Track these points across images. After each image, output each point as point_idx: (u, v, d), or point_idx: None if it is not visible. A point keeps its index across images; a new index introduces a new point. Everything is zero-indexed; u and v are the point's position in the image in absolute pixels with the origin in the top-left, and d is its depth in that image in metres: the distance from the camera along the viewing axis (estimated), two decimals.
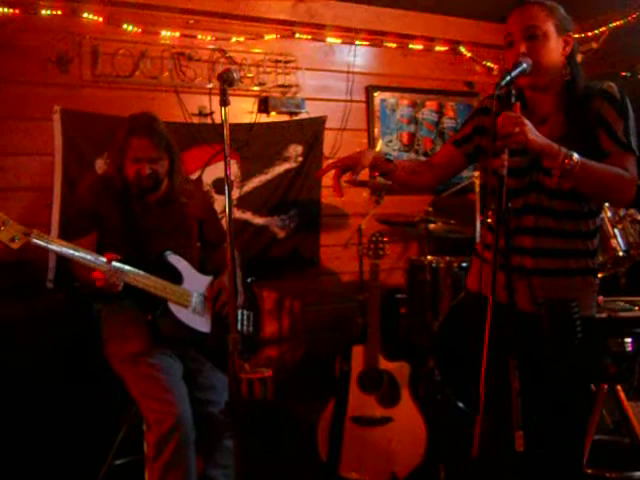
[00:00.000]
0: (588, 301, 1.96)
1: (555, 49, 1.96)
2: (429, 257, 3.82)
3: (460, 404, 3.39)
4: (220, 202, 4.02)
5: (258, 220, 4.12)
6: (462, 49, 4.70)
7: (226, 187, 1.99)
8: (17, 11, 3.42)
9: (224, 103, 1.98)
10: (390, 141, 4.51)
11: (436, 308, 3.73)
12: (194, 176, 3.88)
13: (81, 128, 3.54)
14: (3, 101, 3.43)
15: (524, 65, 1.90)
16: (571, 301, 1.84)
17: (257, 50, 4.03)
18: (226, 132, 1.98)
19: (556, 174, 1.79)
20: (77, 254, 2.32)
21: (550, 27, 1.95)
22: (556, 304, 1.85)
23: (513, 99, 1.85)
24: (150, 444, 2.45)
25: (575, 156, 1.78)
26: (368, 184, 4.13)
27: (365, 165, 2.09)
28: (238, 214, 4.05)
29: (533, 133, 1.77)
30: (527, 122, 1.77)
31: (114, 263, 2.35)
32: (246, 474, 2.64)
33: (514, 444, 1.76)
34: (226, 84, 1.98)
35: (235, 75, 2.01)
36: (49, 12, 3.47)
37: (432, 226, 3.94)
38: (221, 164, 3.98)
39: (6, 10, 3.39)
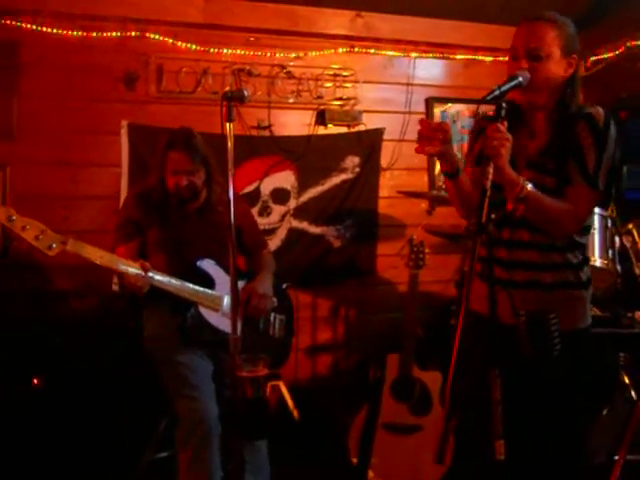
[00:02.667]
0: (573, 314, 1.94)
1: (557, 71, 1.98)
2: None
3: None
4: (278, 211, 4.19)
5: (314, 230, 4.24)
6: None
7: (231, 203, 2.09)
8: (91, 33, 3.73)
9: (229, 119, 2.10)
10: None
11: None
12: (252, 187, 4.07)
13: (146, 141, 3.80)
14: (77, 117, 3.74)
15: (519, 79, 1.93)
16: (549, 313, 1.84)
17: (316, 65, 4.17)
18: (230, 145, 2.10)
19: (510, 202, 1.84)
20: (108, 261, 2.52)
21: (556, 49, 1.97)
22: (534, 317, 1.86)
23: (503, 112, 1.88)
24: (179, 438, 2.63)
25: (528, 187, 1.82)
26: (420, 195, 4.18)
27: (448, 141, 2.06)
28: (295, 224, 4.20)
29: (506, 158, 1.81)
30: (507, 145, 1.80)
31: (141, 270, 2.53)
32: (276, 474, 2.80)
33: (494, 453, 1.79)
34: (232, 102, 2.09)
35: (245, 93, 2.13)
36: (119, 34, 3.75)
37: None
38: (279, 175, 4.16)
39: (80, 33, 3.70)
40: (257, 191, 4.09)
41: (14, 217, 2.31)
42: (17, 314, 3.50)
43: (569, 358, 1.88)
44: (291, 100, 4.13)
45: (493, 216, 1.84)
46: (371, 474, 3.00)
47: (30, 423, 3.05)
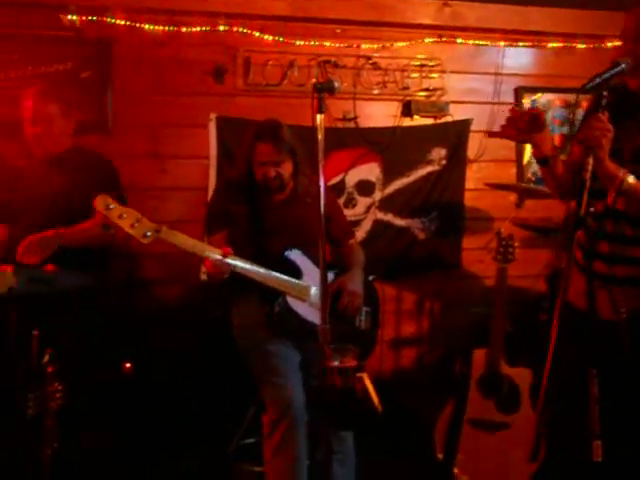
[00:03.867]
0: None
1: None
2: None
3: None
4: (363, 203, 4.18)
5: (399, 222, 4.21)
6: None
7: (321, 194, 2.08)
8: (181, 28, 3.81)
9: (320, 111, 2.09)
10: None
11: None
12: (337, 179, 4.06)
13: (233, 133, 3.85)
14: (167, 110, 3.83)
15: (622, 66, 1.85)
16: None
17: (402, 55, 4.12)
18: (320, 137, 2.09)
19: (611, 195, 1.75)
20: (196, 249, 2.58)
21: None
22: (636, 313, 1.77)
23: (604, 102, 1.80)
24: (265, 424, 2.67)
25: (630, 180, 1.74)
26: (508, 187, 4.08)
27: (540, 127, 2.02)
28: (380, 215, 4.17)
29: (606, 149, 1.74)
30: (608, 136, 1.73)
31: (228, 260, 2.56)
32: (361, 465, 2.80)
33: (591, 454, 1.73)
34: (322, 93, 2.09)
35: (335, 84, 2.12)
36: (207, 28, 3.81)
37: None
38: (364, 167, 4.15)
39: (170, 28, 3.78)
40: (342, 183, 4.09)
41: (112, 205, 2.38)
42: (108, 302, 3.61)
43: None
44: (377, 91, 4.10)
45: (592, 209, 1.77)
46: (457, 470, 2.96)
47: (120, 408, 3.16)
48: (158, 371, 3.44)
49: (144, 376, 3.19)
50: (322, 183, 2.10)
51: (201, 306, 3.73)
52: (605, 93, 1.81)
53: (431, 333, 4.29)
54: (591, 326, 1.74)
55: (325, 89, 2.10)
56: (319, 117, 2.10)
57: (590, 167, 1.74)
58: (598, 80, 1.79)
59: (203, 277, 3.86)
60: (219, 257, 2.55)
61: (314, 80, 3.98)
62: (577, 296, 1.77)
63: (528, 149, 4.34)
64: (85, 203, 2.54)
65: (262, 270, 2.68)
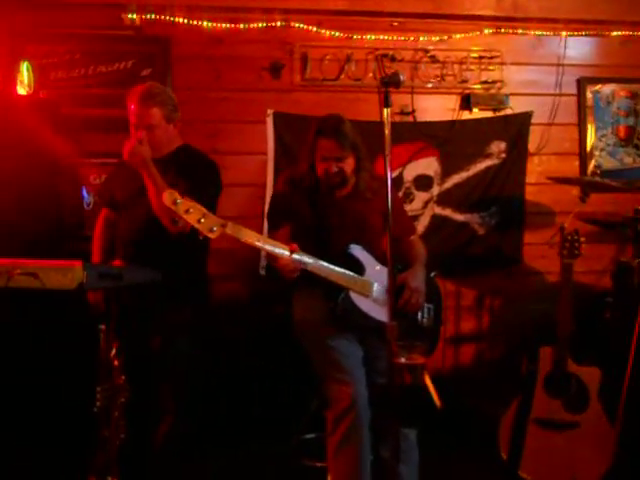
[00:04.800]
0: None
1: None
2: (638, 260, 3.56)
3: None
4: (420, 198, 4.13)
5: (458, 217, 4.15)
6: None
7: (388, 185, 2.06)
8: (238, 25, 3.82)
9: (387, 105, 2.07)
10: (604, 135, 4.26)
11: None
12: (395, 173, 4.02)
13: (290, 129, 3.86)
14: (225, 107, 3.86)
15: None
16: None
17: (460, 47, 4.06)
18: (387, 132, 2.07)
19: None
20: (262, 244, 2.57)
21: None
22: None
23: None
24: (329, 420, 2.66)
25: None
26: (571, 181, 3.97)
27: None
28: (438, 210, 4.12)
29: None
30: None
31: (295, 255, 2.56)
32: (424, 463, 2.77)
33: None
34: (389, 86, 2.06)
35: (401, 77, 2.09)
36: (264, 24, 3.82)
37: None
38: (422, 161, 4.10)
39: (228, 24, 3.80)
40: (400, 178, 4.05)
41: (179, 200, 2.39)
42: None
43: None
44: (435, 85, 4.05)
45: None
46: (525, 475, 2.89)
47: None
48: (223, 365, 3.46)
49: (210, 368, 3.22)
50: (389, 178, 2.07)
51: (262, 301, 3.75)
52: None
53: (491, 330, 4.22)
54: None
55: (391, 82, 2.07)
56: (386, 111, 2.07)
57: None
58: None
59: (262, 272, 3.88)
60: (286, 252, 2.54)
61: (371, 74, 3.96)
62: None
63: (590, 141, 4.24)
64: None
65: (326, 265, 2.66)
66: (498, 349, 4.22)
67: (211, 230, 2.43)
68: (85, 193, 3.68)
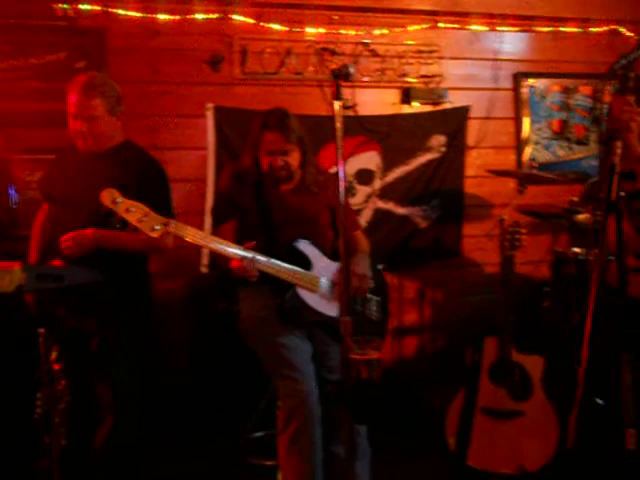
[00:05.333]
0: None
1: None
2: (575, 249, 3.66)
3: (599, 401, 3.24)
4: (362, 192, 4.13)
5: (400, 210, 4.17)
6: (622, 29, 4.42)
7: (340, 173, 2.04)
8: (177, 17, 3.73)
9: (338, 97, 2.05)
10: (539, 129, 4.37)
11: (581, 302, 3.57)
12: (336, 168, 4.00)
13: (231, 123, 3.80)
14: (165, 100, 3.77)
15: None
16: None
17: (400, 42, 4.08)
18: (338, 125, 2.05)
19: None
20: (213, 244, 2.52)
21: None
22: None
23: (631, 84, 1.77)
24: (280, 418, 2.63)
25: None
26: (509, 173, 4.05)
27: None
28: (380, 204, 4.14)
29: (636, 133, 1.71)
30: (637, 119, 1.70)
31: (249, 252, 2.51)
32: (372, 456, 2.77)
33: (624, 441, 1.71)
34: (340, 79, 2.04)
35: (351, 70, 2.08)
36: (203, 16, 3.74)
37: (580, 217, 3.76)
38: (364, 155, 4.10)
39: (167, 17, 3.71)
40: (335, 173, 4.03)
41: (119, 199, 2.31)
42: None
43: None
44: (375, 79, 4.06)
45: (623, 193, 1.74)
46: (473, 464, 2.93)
47: None
48: (166, 365, 3.39)
49: (153, 370, 3.14)
50: (342, 171, 2.05)
51: (204, 299, 3.68)
52: (632, 75, 1.78)
53: (433, 322, 4.26)
54: (624, 310, 1.71)
55: (342, 75, 2.05)
56: (337, 104, 2.05)
57: (619, 151, 1.72)
58: (624, 61, 1.75)
59: (204, 269, 3.81)
60: (245, 253, 2.50)
61: (311, 68, 3.94)
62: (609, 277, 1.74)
63: (526, 135, 4.33)
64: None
65: (275, 262, 2.63)
66: (440, 341, 4.27)
67: (153, 229, 2.37)
68: (13, 191, 3.53)
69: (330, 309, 2.80)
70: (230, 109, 3.81)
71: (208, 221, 3.79)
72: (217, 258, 2.72)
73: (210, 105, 3.79)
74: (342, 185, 2.05)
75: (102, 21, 3.61)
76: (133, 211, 2.34)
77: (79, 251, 2.52)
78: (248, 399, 3.18)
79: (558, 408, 2.92)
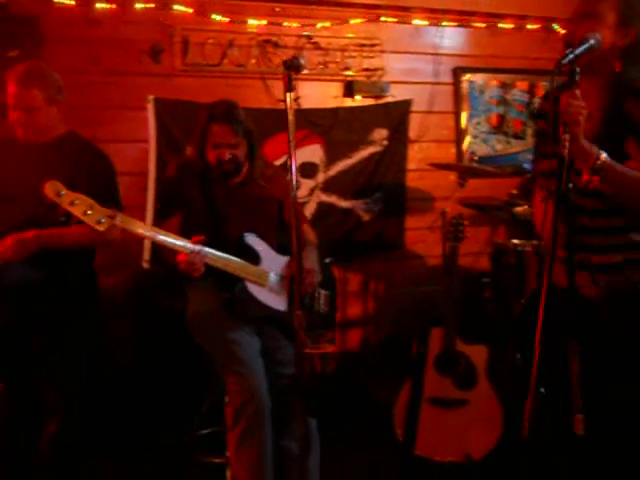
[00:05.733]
0: None
1: (612, 39, 1.93)
2: (514, 241, 3.75)
3: (541, 389, 3.33)
4: (306, 185, 4.12)
5: (343, 203, 4.19)
6: (556, 26, 4.55)
7: (291, 170, 2.03)
8: (115, 6, 3.63)
9: (290, 89, 2.03)
10: (478, 123, 4.46)
11: (520, 292, 3.67)
12: (280, 161, 3.98)
13: (173, 116, 3.72)
14: (104, 92, 3.65)
15: (591, 41, 1.87)
16: (631, 281, 1.81)
17: (342, 35, 4.08)
18: (290, 117, 2.03)
19: (585, 174, 1.79)
20: (160, 237, 2.47)
21: (612, 15, 1.94)
22: (615, 285, 1.82)
23: (577, 78, 1.82)
24: (229, 414, 2.59)
25: (603, 157, 1.78)
26: (451, 167, 4.12)
27: None
28: (324, 197, 4.14)
29: (582, 126, 1.77)
30: (584, 113, 1.75)
31: (197, 246, 2.48)
32: (322, 449, 2.77)
33: (573, 427, 1.76)
34: (292, 70, 2.03)
35: (302, 61, 2.06)
36: (143, 5, 3.65)
37: (519, 209, 3.86)
38: (306, 149, 4.09)
39: (106, 5, 3.60)
40: (285, 165, 4.01)
41: (63, 192, 2.24)
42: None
43: None
44: (318, 72, 4.05)
45: (571, 185, 1.78)
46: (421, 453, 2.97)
47: None
48: (110, 362, 3.30)
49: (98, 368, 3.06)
50: (293, 166, 2.03)
51: (148, 295, 3.60)
52: (578, 69, 1.82)
53: (377, 314, 4.30)
54: (571, 299, 1.76)
55: (294, 66, 2.03)
56: (289, 95, 2.03)
57: (568, 144, 1.76)
58: (571, 56, 1.80)
59: (145, 265, 3.73)
60: (193, 247, 2.45)
61: (254, 60, 3.90)
62: (556, 275, 1.78)
63: (465, 129, 4.41)
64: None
65: (224, 256, 2.60)
66: (383, 333, 4.31)
67: (99, 222, 2.30)
68: None
69: (279, 303, 2.79)
70: (171, 101, 3.73)
71: (150, 215, 3.71)
72: (163, 252, 2.65)
73: (151, 97, 3.69)
74: (294, 179, 2.03)
75: (36, 8, 3.48)
76: (77, 204, 2.27)
77: (20, 257, 2.43)
78: (194, 396, 3.12)
79: (501, 396, 2.99)
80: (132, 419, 3.26)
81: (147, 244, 3.71)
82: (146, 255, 3.72)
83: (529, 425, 1.72)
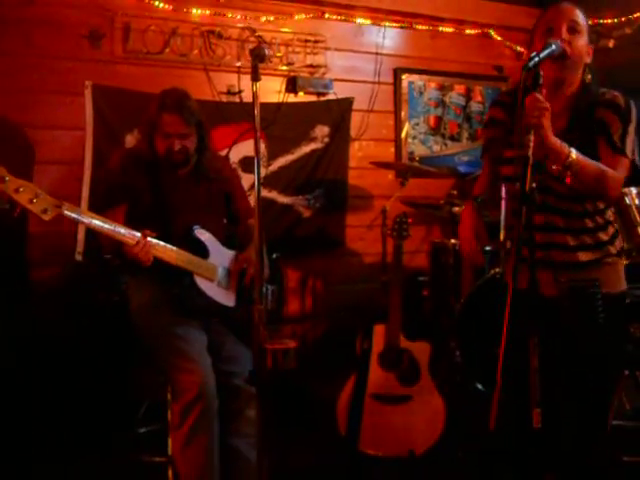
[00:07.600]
0: (612, 278, 1.98)
1: (585, 50, 2.06)
2: (452, 240, 3.83)
3: (479, 385, 3.41)
4: (247, 180, 4.06)
5: (283, 199, 4.16)
6: (492, 32, 4.67)
7: (256, 164, 1.99)
8: None
9: (255, 78, 1.99)
10: (417, 124, 4.52)
11: (458, 290, 3.75)
12: (222, 153, 3.92)
13: (112, 104, 3.60)
14: (39, 75, 3.50)
15: (553, 47, 1.93)
16: (592, 280, 1.87)
17: (286, 29, 4.06)
18: (257, 109, 1.98)
19: (557, 170, 1.86)
20: (108, 227, 2.38)
21: (585, 31, 2.06)
22: (576, 283, 1.88)
23: (541, 81, 1.87)
24: (175, 412, 2.52)
25: (573, 153, 1.86)
26: (393, 166, 4.16)
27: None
28: (264, 193, 4.09)
29: (548, 127, 1.82)
30: (547, 115, 1.81)
31: (148, 238, 2.40)
32: (268, 444, 2.73)
33: (531, 421, 1.80)
34: (257, 60, 1.99)
35: (266, 52, 2.03)
36: None
37: (456, 209, 3.94)
38: (248, 142, 4.02)
39: None
40: (227, 158, 3.95)
41: (7, 178, 2.11)
42: None
43: (611, 325, 1.91)
44: (261, 66, 3.98)
45: (534, 185, 1.82)
46: (365, 449, 2.98)
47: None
48: (42, 359, 3.15)
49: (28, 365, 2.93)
50: (258, 158, 1.99)
51: (82, 288, 3.46)
52: (542, 72, 1.87)
53: (314, 310, 4.29)
54: (532, 297, 1.80)
55: (259, 56, 1.99)
56: (255, 85, 1.99)
57: (532, 144, 1.80)
58: (536, 59, 1.85)
59: (78, 257, 3.59)
60: (139, 238, 2.37)
61: (196, 51, 3.83)
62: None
63: (404, 129, 4.46)
64: None
65: (174, 249, 2.52)
66: (320, 329, 4.31)
67: (45, 211, 2.20)
68: None
69: (226, 298, 2.74)
70: (111, 88, 3.61)
71: (84, 205, 3.57)
72: (106, 244, 2.55)
73: (89, 83, 3.56)
74: (257, 169, 1.98)
75: None
76: (22, 191, 2.15)
77: None
78: (133, 394, 3.03)
79: (443, 392, 3.04)
80: (72, 419, 3.12)
81: (81, 236, 3.57)
82: (79, 247, 3.59)
83: (494, 419, 1.73)
